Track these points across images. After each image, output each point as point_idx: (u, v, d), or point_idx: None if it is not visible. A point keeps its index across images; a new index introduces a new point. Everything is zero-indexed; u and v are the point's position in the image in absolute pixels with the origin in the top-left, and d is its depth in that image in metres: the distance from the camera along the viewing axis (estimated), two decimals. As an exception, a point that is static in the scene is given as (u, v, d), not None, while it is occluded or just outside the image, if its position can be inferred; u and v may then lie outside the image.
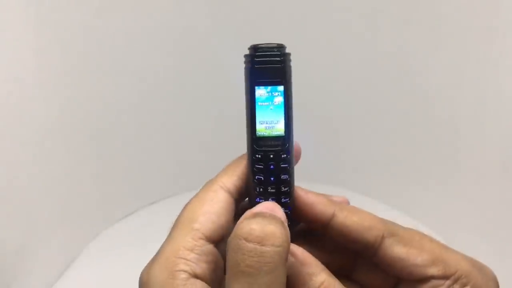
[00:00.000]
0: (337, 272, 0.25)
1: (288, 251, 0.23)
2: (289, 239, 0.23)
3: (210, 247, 0.25)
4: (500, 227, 0.60)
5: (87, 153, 0.65)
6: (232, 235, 0.23)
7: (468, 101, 0.63)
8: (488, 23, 0.58)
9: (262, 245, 0.22)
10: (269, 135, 0.27)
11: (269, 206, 0.25)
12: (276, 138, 0.27)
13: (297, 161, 0.28)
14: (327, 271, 0.24)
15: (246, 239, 0.22)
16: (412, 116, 0.69)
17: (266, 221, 0.23)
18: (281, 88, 0.26)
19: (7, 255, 0.54)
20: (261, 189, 0.27)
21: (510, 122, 0.58)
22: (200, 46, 0.69)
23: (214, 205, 0.26)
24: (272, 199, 0.26)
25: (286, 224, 0.24)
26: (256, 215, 0.23)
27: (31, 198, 0.57)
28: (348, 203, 0.29)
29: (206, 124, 0.74)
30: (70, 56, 0.59)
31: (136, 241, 0.65)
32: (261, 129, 0.27)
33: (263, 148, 0.27)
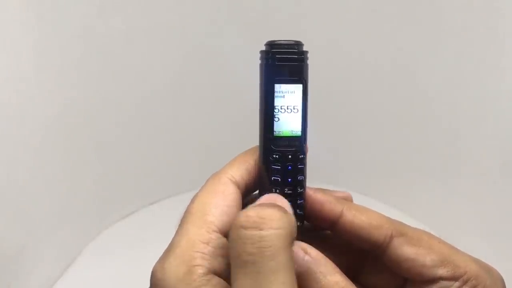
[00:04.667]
0: (343, 273, 0.25)
1: (292, 236, 0.22)
2: (293, 224, 0.23)
3: (224, 240, 0.24)
4: (500, 227, 0.60)
5: (87, 153, 0.65)
6: (231, 228, 0.23)
7: (468, 101, 0.63)
8: (488, 23, 0.58)
9: (261, 230, 0.21)
10: (287, 135, 0.26)
11: (270, 197, 0.25)
12: (294, 138, 0.26)
13: None
14: (341, 273, 0.24)
15: (244, 227, 0.22)
16: (412, 116, 0.69)
17: (263, 207, 0.23)
18: (299, 86, 0.26)
19: (7, 255, 0.54)
20: (277, 191, 0.26)
21: (510, 123, 0.58)
22: (200, 46, 0.69)
23: (226, 198, 0.25)
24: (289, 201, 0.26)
25: (289, 211, 0.24)
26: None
27: (31, 198, 0.57)
28: (351, 199, 0.28)
29: (206, 124, 0.74)
30: (70, 56, 0.59)
31: (136, 241, 0.65)
32: (280, 128, 0.26)
33: (280, 148, 0.26)
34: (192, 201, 0.26)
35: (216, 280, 0.23)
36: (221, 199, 0.25)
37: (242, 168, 0.27)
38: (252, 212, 0.22)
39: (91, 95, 0.63)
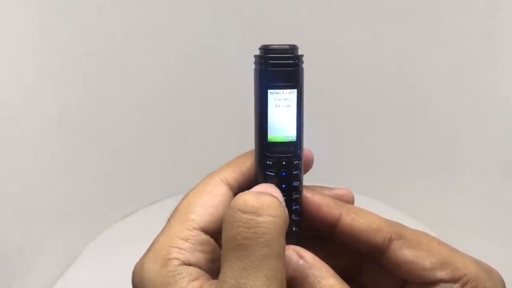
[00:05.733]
0: (342, 275, 0.25)
1: (286, 225, 0.23)
2: (287, 215, 0.23)
3: (206, 237, 0.24)
4: (501, 227, 0.60)
5: (87, 153, 0.65)
6: (226, 209, 0.23)
7: (468, 101, 0.63)
8: (488, 23, 0.58)
9: (258, 215, 0.21)
10: (281, 141, 0.25)
11: (264, 187, 0.25)
12: (288, 144, 0.25)
13: (308, 170, 0.27)
14: (337, 276, 0.24)
15: (241, 210, 0.22)
16: (412, 116, 0.69)
17: (261, 194, 0.23)
18: (294, 91, 0.25)
19: (7, 255, 0.54)
20: None
21: (510, 123, 0.58)
22: (200, 46, 0.69)
23: (214, 198, 0.25)
24: None
25: (283, 203, 0.24)
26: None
27: (31, 198, 0.57)
28: (352, 195, 0.28)
29: (206, 124, 0.74)
30: (70, 56, 0.59)
31: (136, 241, 0.65)
32: (273, 134, 0.25)
33: (275, 155, 0.25)
34: (181, 200, 0.26)
35: (192, 268, 0.23)
36: (208, 199, 0.25)
37: (237, 170, 0.27)
38: (250, 196, 0.22)
39: (91, 95, 0.63)
